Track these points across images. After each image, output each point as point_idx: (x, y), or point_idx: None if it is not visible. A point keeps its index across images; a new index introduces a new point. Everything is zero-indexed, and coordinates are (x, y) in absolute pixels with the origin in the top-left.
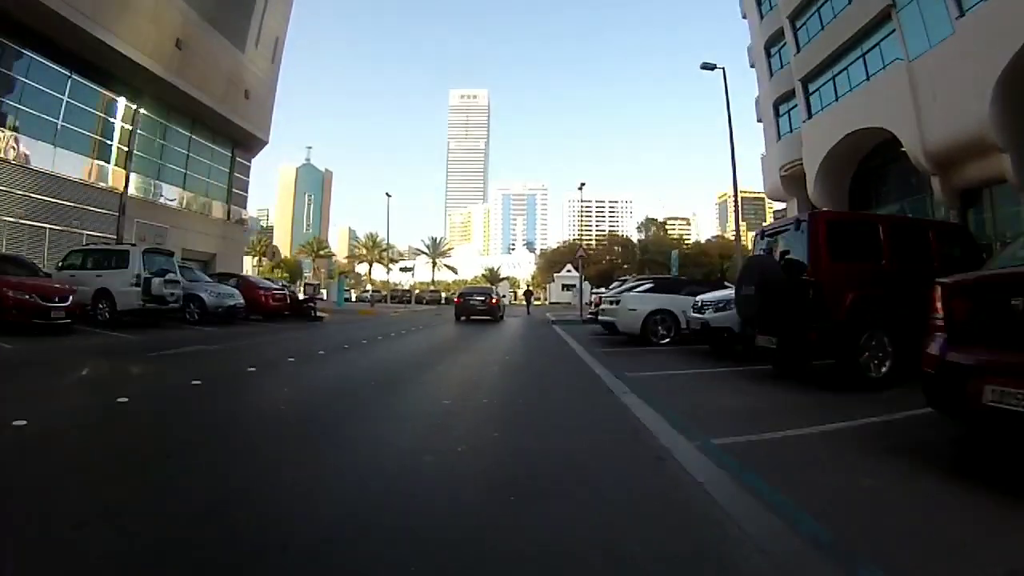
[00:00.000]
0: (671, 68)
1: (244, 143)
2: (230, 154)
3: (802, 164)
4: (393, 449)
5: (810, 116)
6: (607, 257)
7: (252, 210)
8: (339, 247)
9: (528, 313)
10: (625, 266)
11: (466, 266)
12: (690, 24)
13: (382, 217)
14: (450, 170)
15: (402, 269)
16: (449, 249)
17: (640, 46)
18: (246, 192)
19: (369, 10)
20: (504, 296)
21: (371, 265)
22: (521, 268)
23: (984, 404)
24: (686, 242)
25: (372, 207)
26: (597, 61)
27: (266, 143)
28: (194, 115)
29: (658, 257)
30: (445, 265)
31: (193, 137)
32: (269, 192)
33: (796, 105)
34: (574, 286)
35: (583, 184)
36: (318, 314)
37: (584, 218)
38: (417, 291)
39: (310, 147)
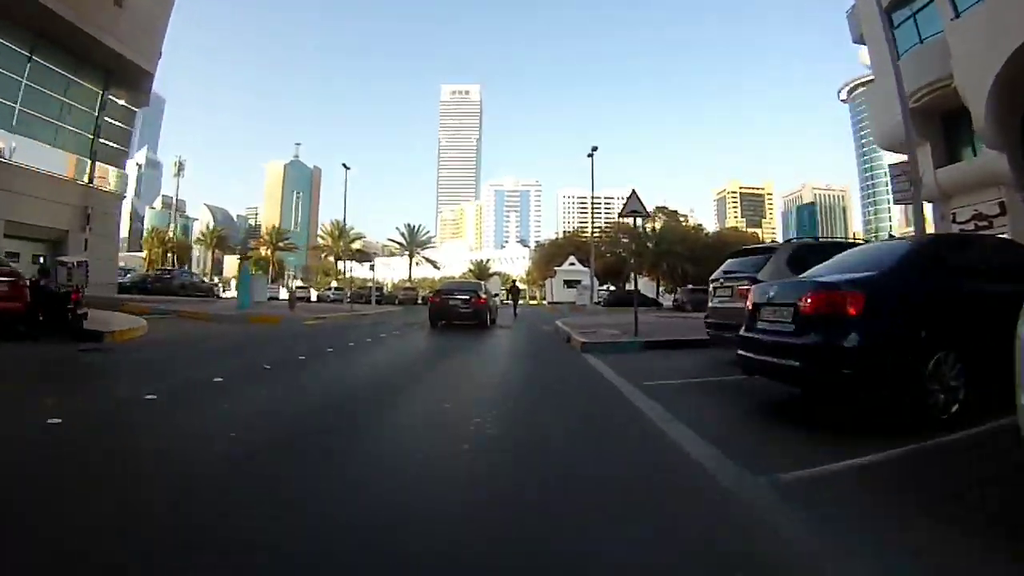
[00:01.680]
0: (668, 64)
1: (121, 75)
2: (100, 91)
3: (947, 86)
4: None
5: (957, 14)
6: (615, 250)
7: (241, 208)
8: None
9: (515, 315)
10: (632, 260)
11: (454, 262)
12: (684, 24)
13: (369, 213)
14: (441, 167)
15: (360, 259)
16: (429, 239)
17: (633, 42)
18: (127, 147)
19: (358, 5)
20: (496, 295)
21: (337, 258)
22: (515, 264)
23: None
24: (706, 233)
25: (363, 205)
26: (591, 57)
27: (151, 76)
28: (38, 26)
29: (676, 247)
30: (426, 259)
31: (35, 59)
32: (257, 190)
33: (927, 3)
34: (579, 282)
35: (595, 149)
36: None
37: (580, 213)
38: (389, 289)
39: (299, 144)
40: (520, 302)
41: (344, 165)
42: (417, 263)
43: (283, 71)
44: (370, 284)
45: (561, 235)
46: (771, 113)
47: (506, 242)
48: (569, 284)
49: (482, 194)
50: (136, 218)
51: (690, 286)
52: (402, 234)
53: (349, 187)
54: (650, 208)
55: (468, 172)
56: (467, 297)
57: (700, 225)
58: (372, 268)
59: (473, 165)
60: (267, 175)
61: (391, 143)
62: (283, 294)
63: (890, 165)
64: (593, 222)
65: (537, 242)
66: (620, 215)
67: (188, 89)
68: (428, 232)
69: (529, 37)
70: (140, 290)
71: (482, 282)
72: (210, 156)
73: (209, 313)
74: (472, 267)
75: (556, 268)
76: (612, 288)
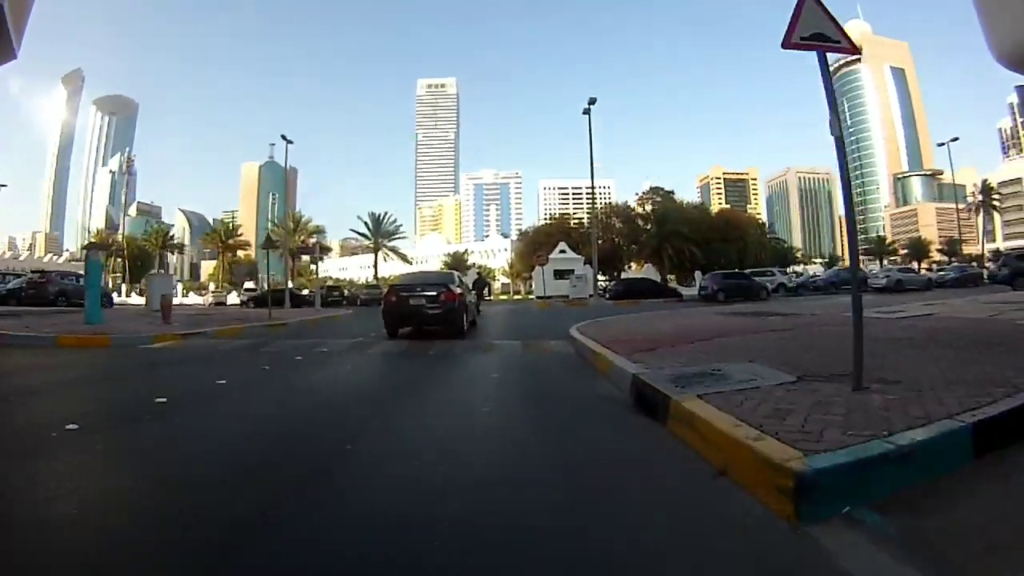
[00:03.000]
0: (648, 49)
1: None
2: None
3: None
4: None
5: None
6: (608, 236)
7: (218, 212)
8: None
9: (477, 312)
10: (633, 246)
11: (431, 257)
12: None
13: (347, 213)
14: (419, 163)
15: (301, 251)
16: (398, 230)
17: (611, 29)
18: None
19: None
20: (471, 291)
21: (294, 257)
22: (496, 257)
23: None
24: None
25: (342, 205)
26: (568, 46)
27: None
28: None
29: (682, 228)
30: (393, 251)
31: None
32: (233, 192)
33: None
34: (572, 272)
35: (593, 102)
36: None
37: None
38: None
39: (273, 144)
40: (489, 297)
41: (283, 137)
42: (385, 257)
43: (258, 71)
44: (330, 282)
45: (547, 220)
46: (752, 98)
47: (487, 236)
48: (560, 275)
49: (461, 188)
50: (111, 225)
51: (719, 272)
52: (366, 224)
53: (326, 189)
54: (643, 189)
55: (447, 167)
56: (434, 293)
57: (703, 204)
58: (314, 261)
59: (452, 160)
60: (243, 177)
61: (368, 141)
62: (228, 298)
63: (1017, 87)
64: (594, 194)
65: (520, 230)
66: (787, 43)
67: (163, 93)
68: (396, 222)
69: (505, 27)
70: (15, 299)
71: (455, 272)
72: (187, 161)
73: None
74: (447, 259)
75: (548, 256)
76: (619, 277)
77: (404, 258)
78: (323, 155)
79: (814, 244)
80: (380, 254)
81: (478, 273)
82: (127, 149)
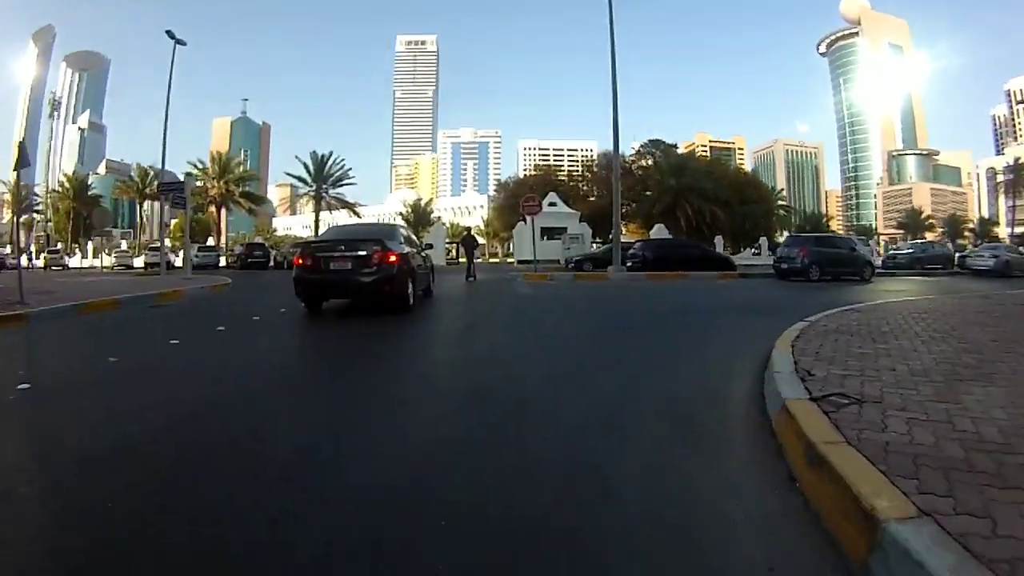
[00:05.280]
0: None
1: None
2: None
3: None
4: None
5: None
6: (601, 191)
7: (184, 165)
8: (281, 207)
9: (470, 279)
10: (632, 204)
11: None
12: None
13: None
14: (396, 120)
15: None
16: (345, 174)
17: None
18: None
19: None
20: (426, 249)
21: (219, 206)
22: (471, 215)
23: None
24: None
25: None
26: (551, 6)
27: None
28: None
29: (703, 183)
30: (337, 200)
31: None
32: (203, 146)
33: None
34: (564, 231)
35: None
36: None
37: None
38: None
39: (246, 99)
40: (478, 259)
41: (169, 33)
42: (331, 208)
43: (232, 24)
44: (257, 238)
45: (532, 172)
46: (742, 66)
47: (463, 191)
48: (550, 234)
49: (439, 147)
50: (80, 183)
51: (808, 235)
52: (305, 166)
53: (301, 147)
54: (641, 142)
55: (425, 125)
56: (364, 253)
57: (719, 158)
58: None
59: (430, 118)
60: (214, 132)
61: (346, 97)
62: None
63: None
64: (616, 107)
65: (498, 180)
66: None
67: (135, 46)
68: (345, 165)
69: None
70: None
71: (399, 226)
72: (158, 118)
73: None
74: (406, 211)
75: (540, 203)
76: (650, 238)
77: (352, 208)
78: (299, 112)
79: (790, 217)
80: (324, 204)
81: (467, 230)
82: (99, 106)
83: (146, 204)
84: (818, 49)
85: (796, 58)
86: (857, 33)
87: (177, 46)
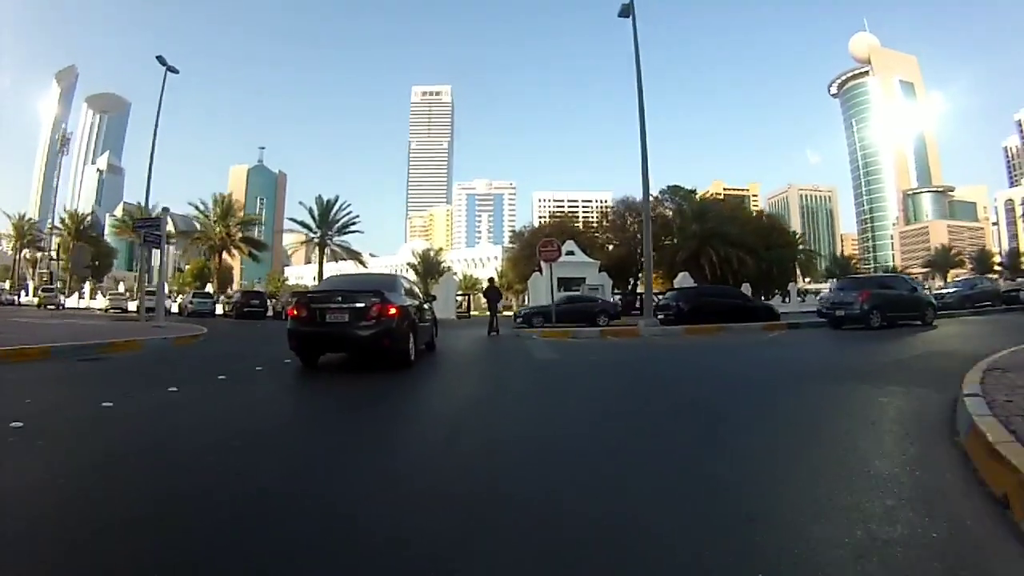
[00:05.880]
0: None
1: None
2: None
3: None
4: None
5: None
6: (623, 236)
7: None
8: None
9: (492, 332)
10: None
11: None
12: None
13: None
14: (411, 171)
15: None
16: (352, 221)
17: (609, 41)
18: None
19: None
20: (429, 302)
21: (220, 252)
22: (485, 267)
23: None
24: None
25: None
26: (566, 58)
27: None
28: None
29: (728, 228)
30: (340, 248)
31: None
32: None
33: None
34: (583, 281)
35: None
36: None
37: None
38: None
39: (263, 148)
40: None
41: (160, 59)
42: (336, 257)
43: (250, 75)
44: (257, 286)
45: (547, 220)
46: (755, 114)
47: (478, 242)
48: (568, 285)
49: (453, 198)
50: (97, 226)
51: (863, 277)
52: (310, 211)
53: (322, 192)
54: (660, 189)
55: (439, 176)
56: (361, 306)
57: (742, 202)
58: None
59: (445, 169)
60: (231, 180)
61: (361, 147)
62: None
63: None
64: (644, 131)
65: (513, 230)
66: None
67: (155, 92)
68: (350, 211)
69: (502, 37)
70: None
71: (400, 276)
72: (177, 162)
73: None
74: (416, 260)
75: (560, 248)
76: (680, 286)
77: (358, 258)
78: (315, 162)
79: (812, 262)
80: (327, 252)
81: (489, 281)
82: (119, 149)
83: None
84: (829, 90)
85: (808, 100)
86: (867, 72)
87: (176, 76)
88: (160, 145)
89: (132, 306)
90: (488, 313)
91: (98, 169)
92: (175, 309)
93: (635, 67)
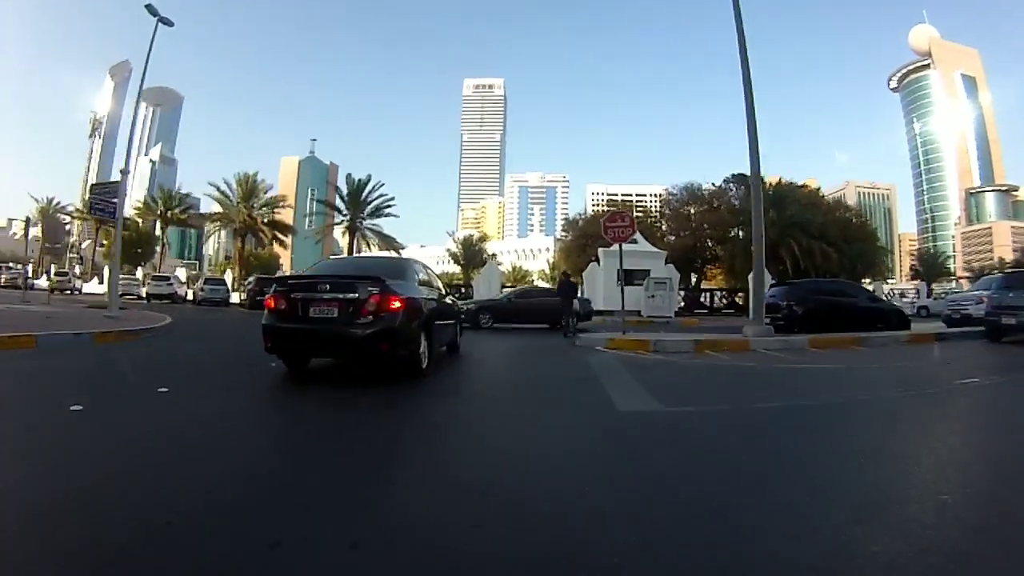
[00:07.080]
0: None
1: None
2: None
3: None
4: None
5: None
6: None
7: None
8: (345, 246)
9: (569, 333)
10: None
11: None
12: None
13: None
14: (464, 163)
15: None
16: (386, 203)
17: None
18: None
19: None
20: (454, 294)
21: (243, 236)
22: (536, 259)
23: None
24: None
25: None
26: (623, 51)
27: None
28: None
29: (809, 217)
30: (372, 231)
31: None
32: (274, 187)
33: None
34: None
35: None
36: None
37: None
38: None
39: (314, 139)
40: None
41: (149, 8)
42: (368, 243)
43: (303, 67)
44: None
45: (603, 208)
46: (812, 110)
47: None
48: (630, 279)
49: (505, 191)
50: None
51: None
52: (338, 190)
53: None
54: (724, 176)
55: (492, 169)
56: (354, 296)
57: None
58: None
59: (497, 161)
60: (282, 170)
61: (412, 140)
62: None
63: None
64: (748, 75)
65: (566, 218)
66: None
67: (208, 84)
68: (382, 192)
69: (555, 32)
70: None
71: (411, 260)
72: (230, 152)
73: None
74: (457, 248)
75: (632, 226)
76: (788, 280)
77: (391, 243)
78: (367, 153)
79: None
80: (357, 236)
81: (565, 274)
82: (171, 141)
83: (169, 229)
84: (889, 84)
85: (867, 97)
86: (928, 65)
87: (234, 68)
88: (214, 136)
89: (143, 291)
90: (562, 311)
91: (151, 160)
92: (191, 297)
93: (736, 32)
